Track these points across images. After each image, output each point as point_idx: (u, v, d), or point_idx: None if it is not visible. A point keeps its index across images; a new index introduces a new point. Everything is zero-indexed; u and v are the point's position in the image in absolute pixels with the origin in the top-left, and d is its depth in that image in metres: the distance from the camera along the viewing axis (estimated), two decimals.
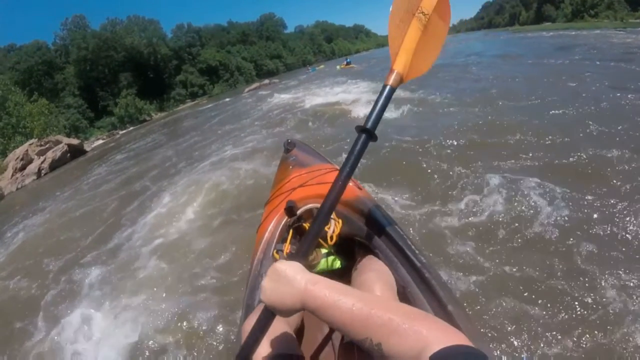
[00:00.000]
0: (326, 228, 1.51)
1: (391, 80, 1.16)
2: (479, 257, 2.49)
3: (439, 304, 1.21)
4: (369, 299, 0.73)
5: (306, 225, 1.57)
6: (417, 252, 1.40)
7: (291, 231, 1.56)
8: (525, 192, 3.05)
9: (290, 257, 0.94)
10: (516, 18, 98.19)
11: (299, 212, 1.59)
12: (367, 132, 1.08)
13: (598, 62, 9.08)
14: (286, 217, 1.66)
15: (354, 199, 1.70)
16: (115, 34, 45.30)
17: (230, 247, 3.60)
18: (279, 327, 1.12)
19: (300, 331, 1.52)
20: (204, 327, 2.58)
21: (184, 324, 2.66)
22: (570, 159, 3.52)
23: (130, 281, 3.46)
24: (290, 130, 8.27)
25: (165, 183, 6.66)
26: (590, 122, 4.26)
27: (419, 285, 1.31)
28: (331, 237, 1.50)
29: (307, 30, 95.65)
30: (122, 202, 6.27)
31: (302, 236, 1.40)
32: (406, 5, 1.22)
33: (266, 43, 71.60)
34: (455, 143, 4.46)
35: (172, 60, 51.40)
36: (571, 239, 2.46)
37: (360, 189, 1.88)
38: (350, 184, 1.85)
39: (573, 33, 27.09)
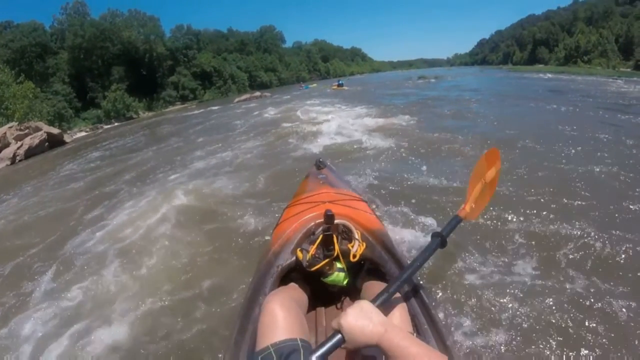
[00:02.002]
0: (349, 246, 1.68)
1: (461, 214, 1.78)
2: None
3: (440, 338, 1.42)
4: (434, 353, 0.95)
5: (334, 235, 1.66)
6: (425, 289, 1.69)
7: (321, 237, 1.64)
8: (554, 255, 2.95)
9: (372, 302, 1.15)
10: (510, 57, 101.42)
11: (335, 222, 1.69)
12: (442, 239, 1.57)
13: (607, 115, 9.07)
14: (312, 223, 1.82)
15: (377, 229, 1.95)
16: (113, 26, 44.84)
17: (195, 254, 3.69)
18: (294, 315, 1.28)
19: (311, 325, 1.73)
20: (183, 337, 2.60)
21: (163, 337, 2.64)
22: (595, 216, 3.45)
23: (87, 293, 3.31)
24: (273, 147, 8.43)
25: (138, 188, 6.61)
26: (616, 182, 4.28)
27: (425, 318, 1.52)
28: (354, 255, 1.65)
29: (305, 47, 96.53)
30: (89, 205, 6.12)
31: (327, 245, 1.64)
32: (479, 173, 1.98)
33: (263, 55, 71.88)
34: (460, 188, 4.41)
35: (167, 60, 51.03)
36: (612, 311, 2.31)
37: (381, 224, 2.17)
38: (374, 217, 2.19)
39: (569, 77, 27.82)
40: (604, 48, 61.65)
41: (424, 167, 5.42)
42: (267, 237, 2.71)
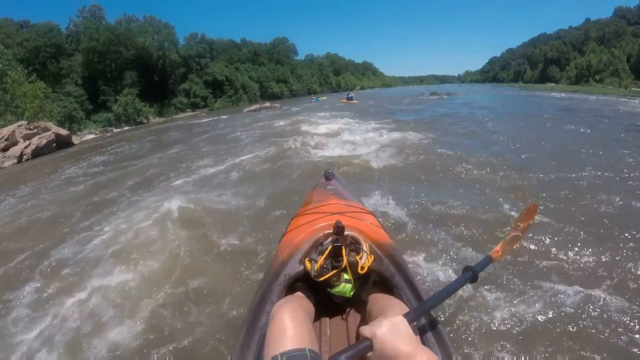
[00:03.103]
0: (357, 258, 1.67)
1: (494, 255, 1.77)
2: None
3: (446, 353, 1.40)
4: None
5: (343, 247, 1.65)
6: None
7: (330, 247, 1.64)
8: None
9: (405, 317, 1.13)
10: (521, 75, 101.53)
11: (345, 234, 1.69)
12: (473, 274, 1.55)
13: (630, 138, 8.72)
14: (321, 234, 1.79)
15: (385, 243, 1.90)
16: (128, 31, 45.22)
17: (191, 264, 3.64)
18: (302, 324, 1.27)
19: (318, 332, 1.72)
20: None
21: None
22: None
23: (87, 297, 3.22)
24: (279, 159, 8.27)
25: (140, 195, 6.50)
26: None
27: (432, 332, 1.48)
28: (362, 268, 1.64)
29: (317, 60, 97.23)
30: (89, 210, 6.01)
31: (336, 256, 1.64)
32: (518, 224, 2.09)
33: (275, 66, 72.25)
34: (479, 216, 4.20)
35: (180, 67, 51.35)
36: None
37: (390, 238, 2.11)
38: (382, 231, 2.14)
39: (583, 97, 27.73)
40: (615, 68, 61.27)
41: (439, 190, 5.21)
42: (274, 246, 2.70)
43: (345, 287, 1.67)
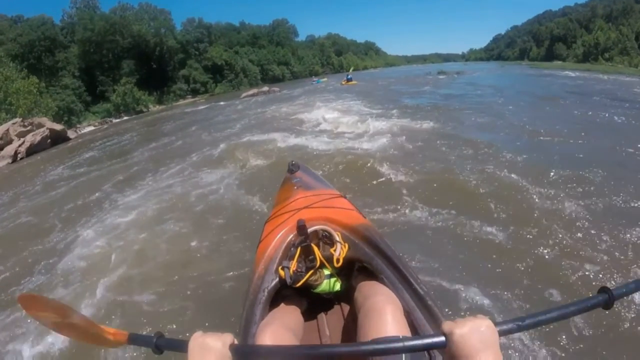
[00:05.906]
0: (332, 250, 1.61)
1: None
2: None
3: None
4: None
5: (314, 245, 1.58)
6: (419, 280, 1.53)
7: (299, 249, 1.59)
8: None
9: (496, 326, 0.95)
10: (527, 53, 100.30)
11: (309, 231, 1.63)
12: (609, 298, 1.08)
13: None
14: (291, 236, 1.75)
15: (359, 225, 1.82)
16: (124, 19, 44.76)
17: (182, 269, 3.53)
18: (286, 331, 1.28)
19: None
20: None
21: None
22: None
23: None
24: (270, 152, 7.86)
25: (125, 195, 6.37)
26: None
27: (422, 312, 1.41)
28: (337, 260, 1.59)
29: (318, 41, 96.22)
30: (69, 219, 5.71)
31: (308, 255, 1.57)
32: None
33: (275, 48, 71.50)
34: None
35: (178, 53, 50.81)
36: None
37: (364, 217, 2.02)
38: (355, 212, 2.05)
39: (596, 76, 26.64)
40: (624, 46, 60.23)
41: (460, 204, 4.32)
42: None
43: (328, 284, 1.63)
